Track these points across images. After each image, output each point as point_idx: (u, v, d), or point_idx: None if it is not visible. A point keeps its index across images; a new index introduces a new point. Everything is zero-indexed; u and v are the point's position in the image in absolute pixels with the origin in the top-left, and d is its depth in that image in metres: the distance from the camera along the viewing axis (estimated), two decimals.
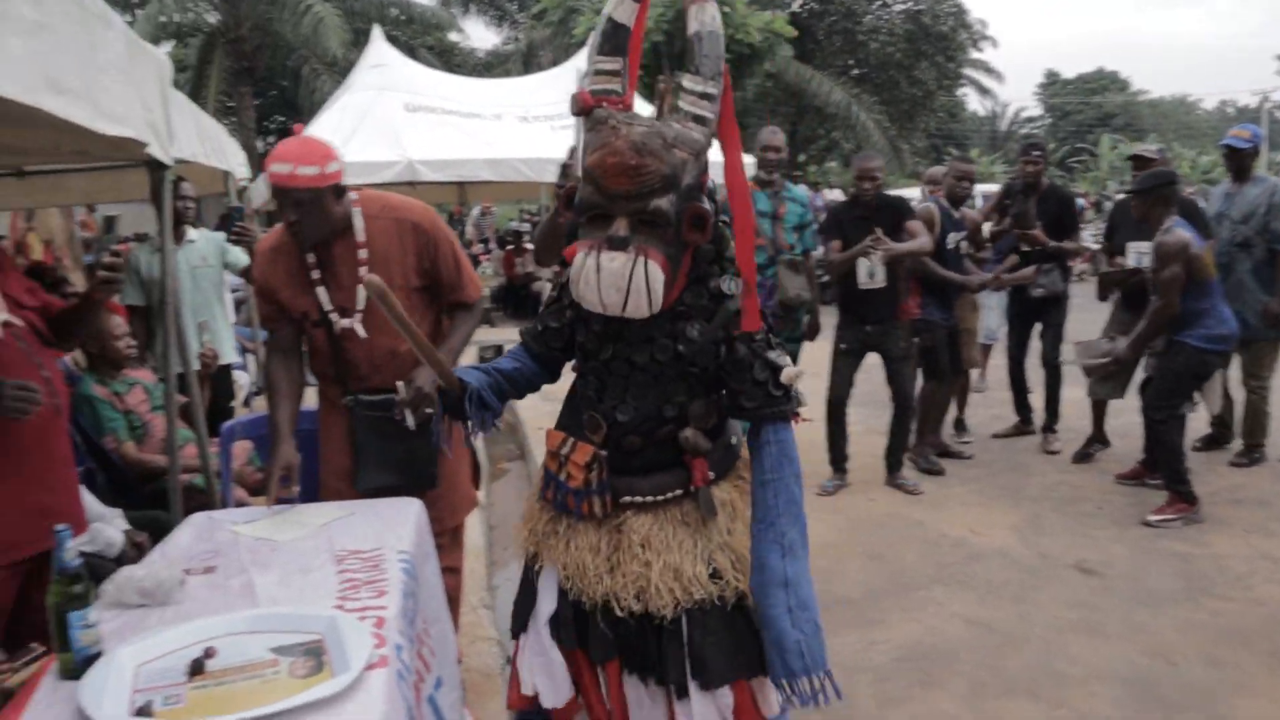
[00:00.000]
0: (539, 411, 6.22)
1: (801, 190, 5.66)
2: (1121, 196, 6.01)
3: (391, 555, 2.19)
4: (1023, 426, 6.53)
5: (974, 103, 40.91)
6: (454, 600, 3.00)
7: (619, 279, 1.86)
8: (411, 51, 18.83)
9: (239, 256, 5.25)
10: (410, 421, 2.57)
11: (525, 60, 22.62)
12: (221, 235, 5.42)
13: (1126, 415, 5.79)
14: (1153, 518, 4.76)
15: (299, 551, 2.26)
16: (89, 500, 3.23)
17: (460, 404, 2.11)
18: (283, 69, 22.85)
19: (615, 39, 1.95)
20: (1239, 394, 5.67)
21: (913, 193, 13.23)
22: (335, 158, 2.70)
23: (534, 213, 19.52)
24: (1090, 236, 11.20)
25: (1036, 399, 6.42)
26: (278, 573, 2.13)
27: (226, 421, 3.67)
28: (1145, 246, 5.13)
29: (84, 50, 2.17)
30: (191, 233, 5.13)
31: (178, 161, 3.21)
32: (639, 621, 2.10)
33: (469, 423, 2.14)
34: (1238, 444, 5.81)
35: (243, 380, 6.26)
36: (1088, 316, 6.70)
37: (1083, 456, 5.87)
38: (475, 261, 13.31)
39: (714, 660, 2.06)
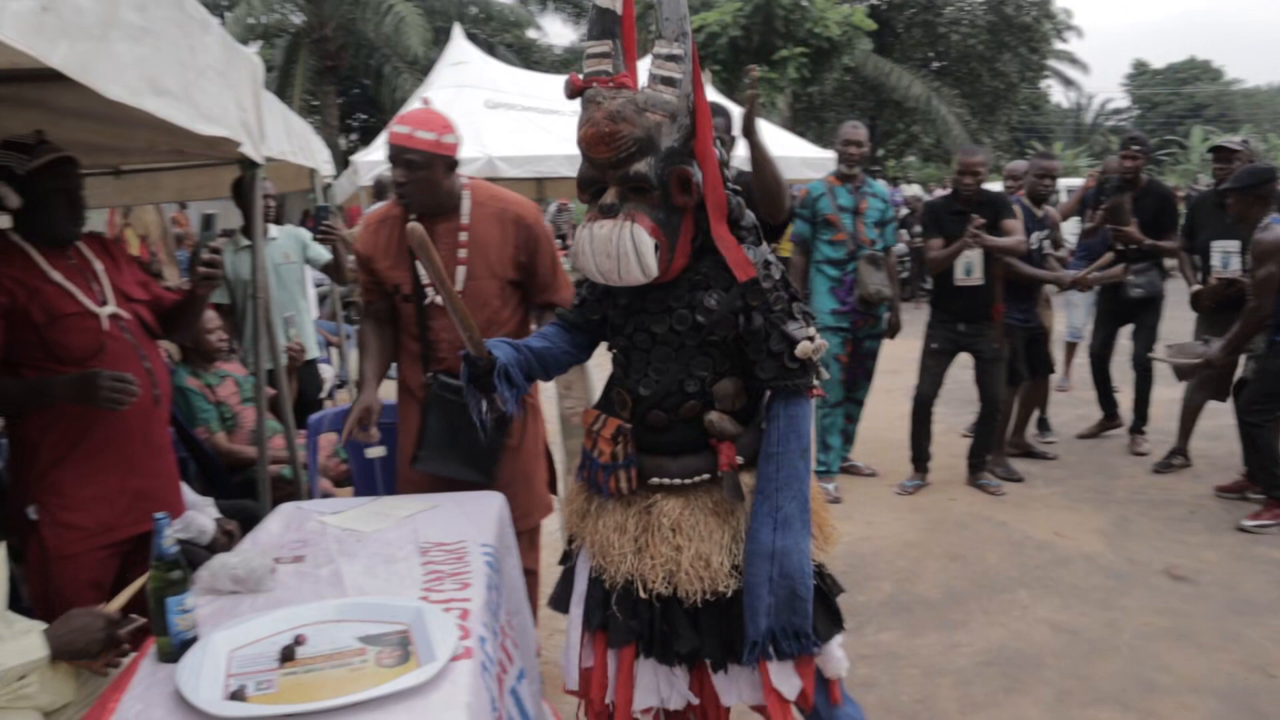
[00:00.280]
0: None
1: (883, 186, 5.58)
2: (1200, 193, 5.76)
3: (475, 548, 2.22)
4: (1108, 422, 6.37)
5: (1058, 95, 40.08)
6: (531, 601, 3.03)
7: (607, 244, 1.92)
8: (491, 49, 19.00)
9: (320, 252, 5.36)
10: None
11: None
12: (303, 231, 5.53)
13: (1220, 418, 5.60)
14: (1248, 523, 4.61)
15: (384, 542, 2.31)
16: (183, 488, 3.33)
17: (488, 377, 2.13)
18: (365, 68, 23.24)
19: (603, 23, 1.99)
20: None
21: (994, 188, 12.94)
22: (454, 132, 2.77)
23: None
24: None
25: (1124, 398, 6.25)
26: (364, 563, 2.17)
27: (313, 414, 3.75)
28: (1233, 245, 4.96)
29: (184, 54, 2.23)
30: (273, 229, 5.23)
31: (267, 159, 3.29)
32: (665, 604, 2.10)
33: (493, 398, 2.15)
34: None
35: (326, 374, 6.40)
36: (1181, 314, 6.50)
37: (1164, 467, 5.67)
38: None
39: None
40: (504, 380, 2.13)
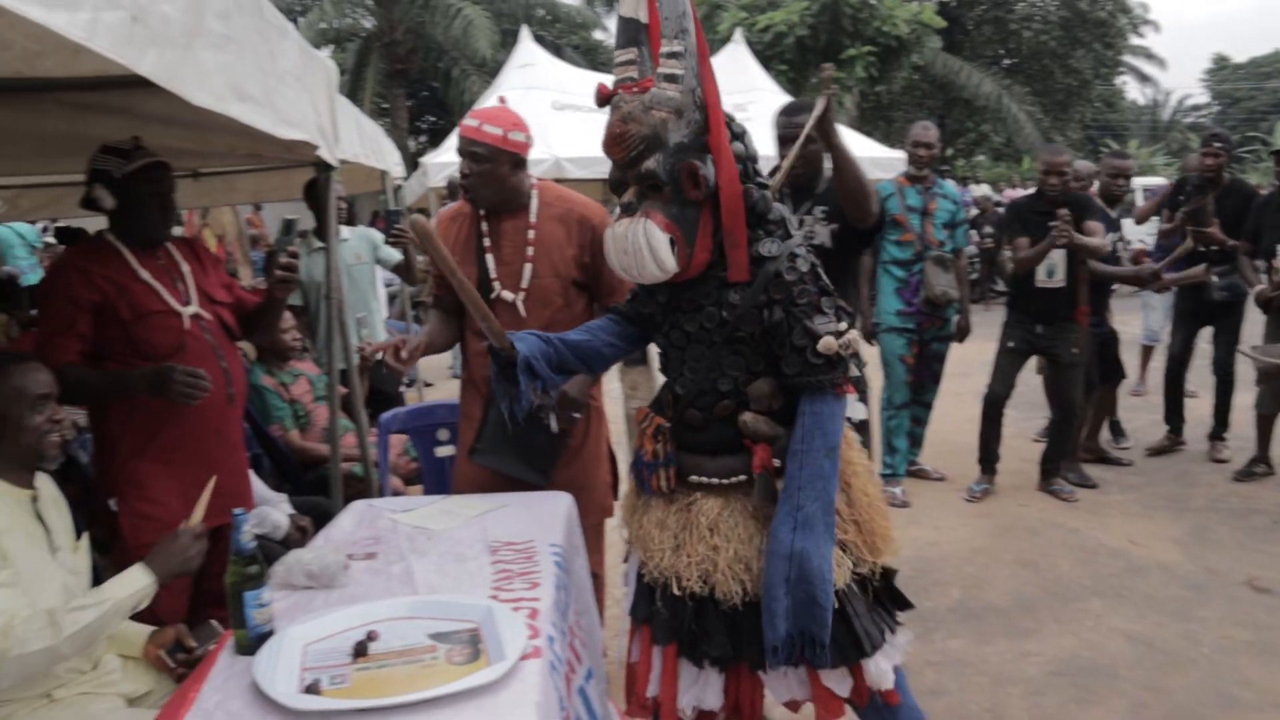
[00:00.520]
0: None
1: (953, 187, 5.49)
2: (1265, 196, 5.53)
3: (544, 548, 2.24)
4: (1174, 439, 6.10)
5: (1133, 91, 39.08)
6: (597, 602, 3.04)
7: (624, 241, 1.98)
8: (558, 50, 19.14)
9: (391, 253, 5.43)
10: (554, 425, 2.68)
11: None
12: (374, 232, 5.61)
13: None
14: None
15: (454, 541, 2.34)
16: (257, 484, 3.41)
17: (511, 369, 2.13)
18: (434, 70, 23.53)
19: (628, 32, 2.02)
20: None
21: None
22: (524, 130, 2.80)
23: None
24: None
25: (1200, 404, 6.07)
26: (435, 561, 2.20)
27: (385, 413, 3.81)
28: None
29: (264, 60, 2.29)
30: (344, 231, 5.31)
31: (341, 162, 3.35)
32: (698, 604, 2.09)
33: (517, 390, 2.14)
34: None
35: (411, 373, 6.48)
36: (1260, 316, 6.31)
37: (1246, 475, 5.48)
38: None
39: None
40: (527, 373, 2.12)
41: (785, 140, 3.47)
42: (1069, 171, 4.98)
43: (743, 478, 2.09)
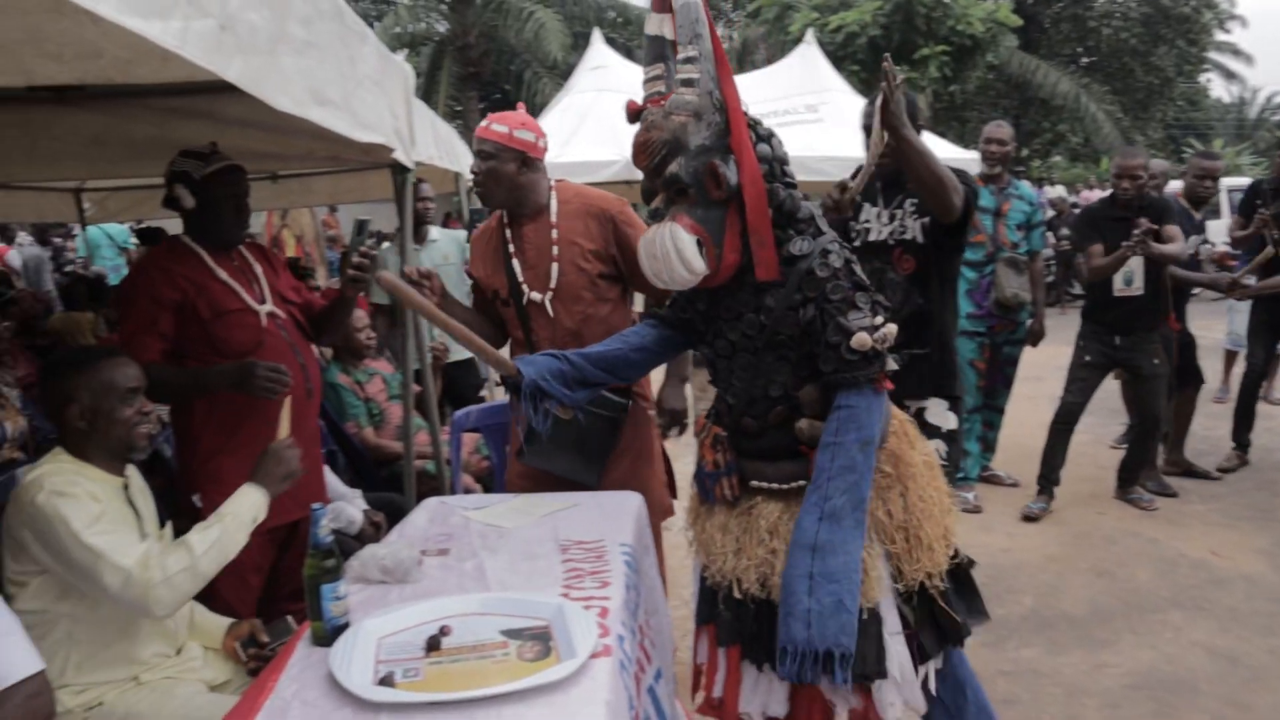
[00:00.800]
0: None
1: (1029, 188, 5.37)
2: None
3: (614, 547, 2.24)
4: (1242, 458, 5.84)
5: (1218, 89, 37.89)
6: None
7: (652, 246, 2.00)
8: (629, 52, 19.14)
9: None
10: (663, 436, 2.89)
11: (740, 58, 22.60)
12: (461, 233, 5.67)
13: None
14: None
15: (526, 539, 2.36)
16: (333, 480, 3.49)
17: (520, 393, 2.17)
18: (506, 73, 23.78)
19: (654, 49, 2.06)
20: None
21: None
22: (531, 129, 2.85)
23: None
24: None
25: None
26: (506, 558, 2.22)
27: (458, 411, 3.86)
28: None
29: (344, 65, 2.34)
30: (434, 231, 5.36)
31: (415, 163, 3.40)
32: (759, 606, 2.09)
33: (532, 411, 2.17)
34: None
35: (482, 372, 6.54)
36: None
37: None
38: None
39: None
40: (534, 397, 2.15)
41: (867, 130, 3.45)
42: (1143, 175, 4.81)
43: (802, 483, 2.08)
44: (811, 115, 8.57)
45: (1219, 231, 8.47)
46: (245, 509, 2.18)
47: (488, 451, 4.05)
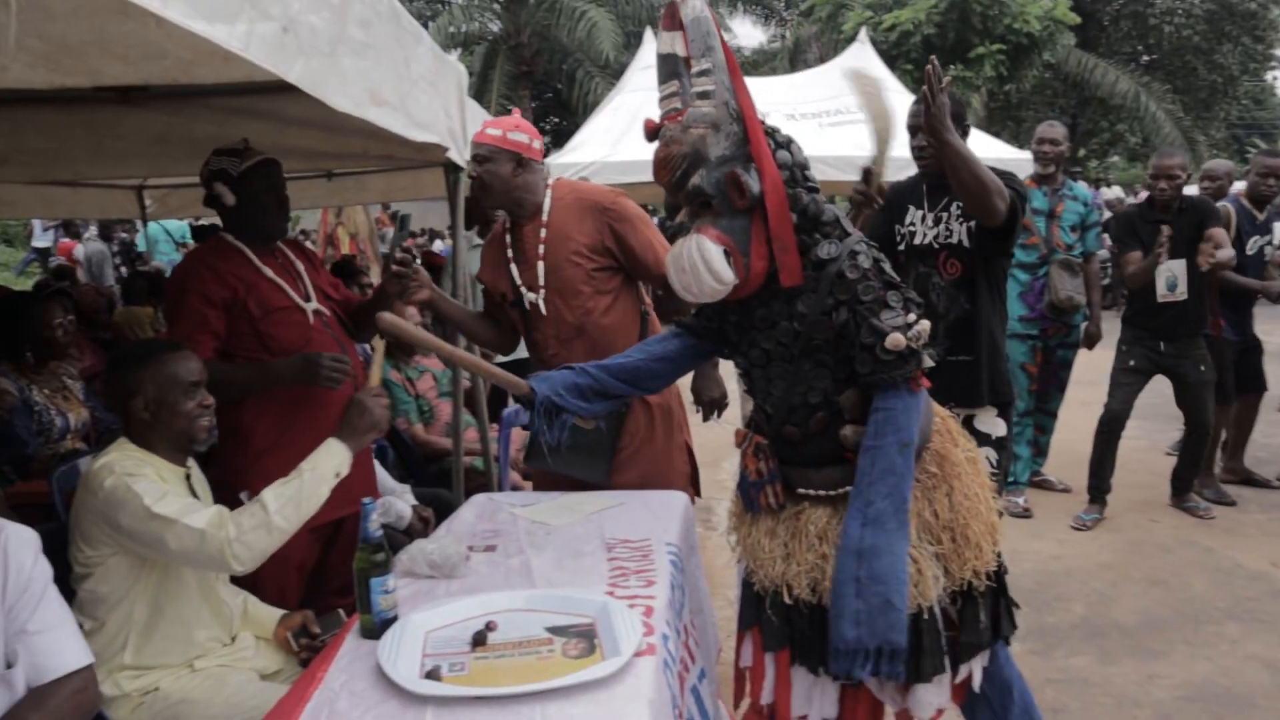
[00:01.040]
0: None
1: (1084, 188, 5.28)
2: None
3: (659, 546, 2.26)
4: None
5: None
6: None
7: (679, 259, 1.99)
8: None
9: None
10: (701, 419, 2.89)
11: (792, 58, 22.48)
12: None
13: None
14: None
15: (572, 536, 2.38)
16: (383, 475, 3.53)
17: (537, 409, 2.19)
18: (558, 72, 23.89)
19: (668, 67, 2.05)
20: None
21: (1190, 191, 12.06)
22: (525, 132, 2.88)
23: None
24: None
25: None
26: (552, 555, 2.25)
27: (507, 408, 3.90)
28: None
29: (400, 66, 2.38)
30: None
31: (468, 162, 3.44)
32: (811, 611, 2.08)
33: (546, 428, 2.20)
34: None
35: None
36: None
37: None
38: None
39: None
40: (548, 413, 2.19)
41: (913, 130, 3.42)
42: (1181, 175, 4.69)
43: (849, 488, 2.06)
44: (864, 115, 8.49)
45: None
46: (326, 463, 2.18)
47: None
